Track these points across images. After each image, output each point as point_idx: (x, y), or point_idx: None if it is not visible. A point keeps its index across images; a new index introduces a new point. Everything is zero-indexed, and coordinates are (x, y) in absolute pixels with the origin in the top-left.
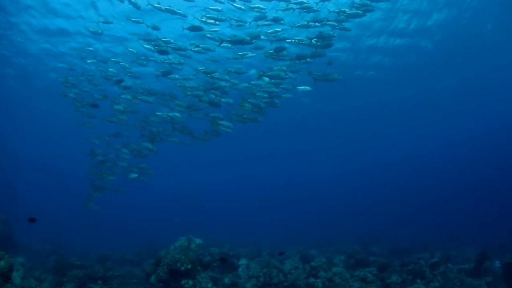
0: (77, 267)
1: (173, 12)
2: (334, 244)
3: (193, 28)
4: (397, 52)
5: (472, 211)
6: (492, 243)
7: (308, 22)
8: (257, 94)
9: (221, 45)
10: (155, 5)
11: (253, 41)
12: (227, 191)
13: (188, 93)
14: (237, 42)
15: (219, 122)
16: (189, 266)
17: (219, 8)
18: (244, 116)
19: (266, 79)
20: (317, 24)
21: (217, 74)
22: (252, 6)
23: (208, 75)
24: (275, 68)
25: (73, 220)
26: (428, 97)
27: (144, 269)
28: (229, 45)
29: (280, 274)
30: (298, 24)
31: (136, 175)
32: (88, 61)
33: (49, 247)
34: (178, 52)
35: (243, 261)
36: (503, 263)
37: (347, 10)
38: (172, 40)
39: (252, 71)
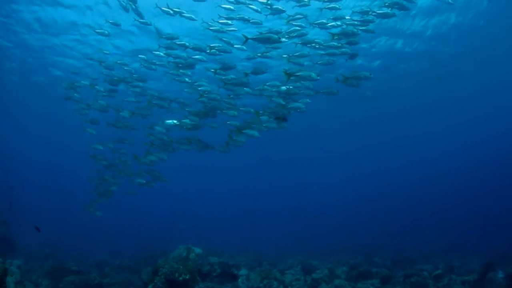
0: (73, 272)
1: (181, 15)
2: (336, 254)
3: (215, 30)
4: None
5: (474, 220)
6: (495, 252)
7: (328, 19)
8: (276, 99)
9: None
10: (163, 8)
11: (281, 39)
12: (229, 198)
13: (202, 97)
14: (264, 40)
15: (243, 131)
16: (187, 277)
17: (232, 7)
18: (264, 125)
19: (283, 87)
20: (338, 23)
21: (232, 76)
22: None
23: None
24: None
25: (74, 223)
26: (433, 103)
27: (141, 278)
28: (243, 46)
29: (280, 286)
30: (317, 22)
31: (144, 181)
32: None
33: (47, 250)
34: (196, 50)
35: (243, 271)
36: (506, 274)
37: (370, 10)
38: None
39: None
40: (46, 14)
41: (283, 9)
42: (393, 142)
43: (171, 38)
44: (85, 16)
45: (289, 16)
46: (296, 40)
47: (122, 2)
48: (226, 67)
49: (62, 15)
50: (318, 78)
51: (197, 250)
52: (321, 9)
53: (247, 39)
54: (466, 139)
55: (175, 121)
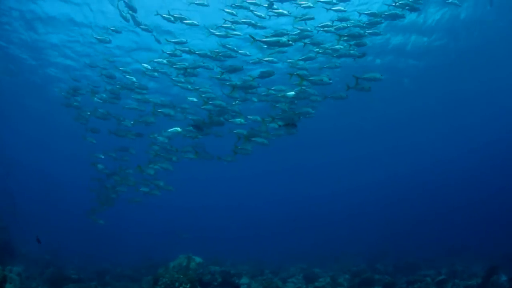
0: (74, 280)
1: (183, 21)
2: (338, 261)
3: (219, 36)
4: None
5: (476, 222)
6: (497, 255)
7: (333, 21)
8: (282, 105)
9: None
10: (164, 15)
11: (291, 43)
12: (230, 206)
13: (206, 105)
14: (273, 43)
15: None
16: (188, 286)
17: (234, 12)
18: (272, 133)
19: (291, 92)
20: (344, 24)
21: (237, 82)
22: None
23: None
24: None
25: (75, 230)
26: (434, 105)
27: (142, 287)
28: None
29: None
30: (322, 24)
31: (148, 189)
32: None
33: (48, 257)
34: (201, 56)
35: (244, 280)
36: (509, 277)
37: (376, 11)
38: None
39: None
40: (44, 12)
41: (288, 13)
42: (394, 147)
43: (178, 43)
44: (84, 15)
45: (296, 17)
46: (303, 41)
47: (122, 12)
48: (233, 70)
49: (61, 13)
50: (331, 82)
51: (198, 259)
52: (327, 9)
53: (254, 40)
54: (467, 141)
55: (178, 129)
